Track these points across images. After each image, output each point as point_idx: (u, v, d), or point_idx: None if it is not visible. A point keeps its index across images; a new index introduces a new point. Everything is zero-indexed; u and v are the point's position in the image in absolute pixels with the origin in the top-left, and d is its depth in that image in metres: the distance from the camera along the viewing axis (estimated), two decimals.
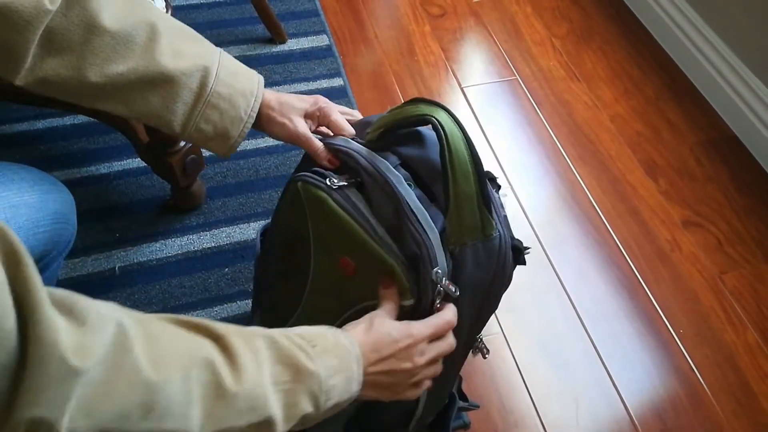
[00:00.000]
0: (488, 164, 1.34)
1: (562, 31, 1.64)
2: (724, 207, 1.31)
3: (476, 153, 0.63)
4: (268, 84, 1.40)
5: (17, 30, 0.58)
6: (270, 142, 1.29)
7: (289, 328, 0.54)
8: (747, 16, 1.40)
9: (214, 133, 0.69)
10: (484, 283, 0.65)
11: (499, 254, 0.64)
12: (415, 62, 1.51)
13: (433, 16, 1.64)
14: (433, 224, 0.62)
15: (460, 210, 0.62)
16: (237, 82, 0.69)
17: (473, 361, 1.05)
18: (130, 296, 1.05)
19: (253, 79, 0.71)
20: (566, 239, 1.23)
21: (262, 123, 0.73)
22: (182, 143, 1.03)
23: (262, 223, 1.12)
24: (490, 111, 1.43)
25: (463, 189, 0.62)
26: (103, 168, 1.21)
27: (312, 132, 0.74)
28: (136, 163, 1.22)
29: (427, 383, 0.64)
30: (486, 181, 0.64)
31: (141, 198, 1.18)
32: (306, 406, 0.51)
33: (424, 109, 0.64)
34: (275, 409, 0.49)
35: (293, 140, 0.72)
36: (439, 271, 0.60)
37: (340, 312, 0.69)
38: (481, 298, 0.66)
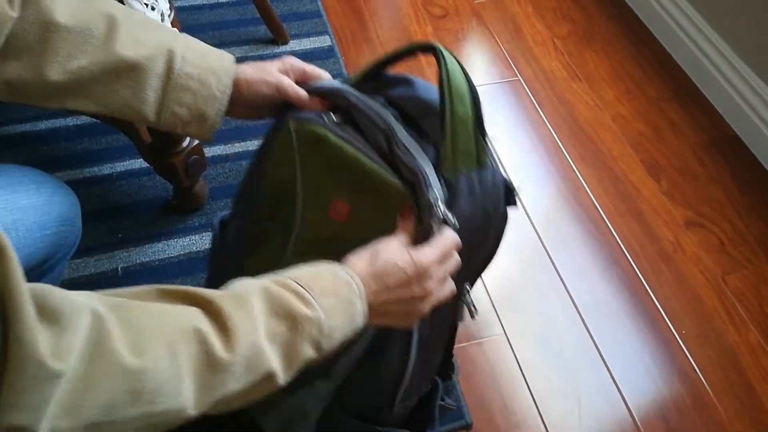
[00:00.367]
0: None
1: (564, 31, 1.64)
2: (726, 207, 1.31)
3: (471, 80, 0.64)
4: None
5: None
6: None
7: (285, 272, 0.53)
8: (748, 15, 1.40)
9: (190, 116, 0.67)
10: (477, 218, 0.64)
11: (493, 187, 0.64)
12: (416, 63, 1.51)
13: (435, 17, 1.64)
14: (425, 155, 0.63)
15: (456, 134, 0.63)
16: (205, 61, 0.67)
17: (475, 361, 1.05)
18: None
19: (224, 57, 0.69)
20: (568, 239, 1.23)
21: (242, 93, 0.70)
22: (185, 144, 1.03)
23: None
24: (492, 111, 1.43)
25: (460, 110, 0.63)
26: (106, 169, 1.21)
27: None
28: (139, 163, 1.22)
29: (448, 291, 0.62)
30: (481, 108, 0.65)
31: (144, 198, 1.18)
32: (308, 353, 0.50)
33: (418, 44, 0.67)
34: (274, 362, 0.48)
35: (279, 91, 0.69)
36: (436, 192, 0.60)
37: None
38: (474, 236, 0.65)
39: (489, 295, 1.14)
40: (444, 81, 0.63)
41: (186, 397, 0.43)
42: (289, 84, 0.69)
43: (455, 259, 0.61)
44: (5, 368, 0.35)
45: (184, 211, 1.17)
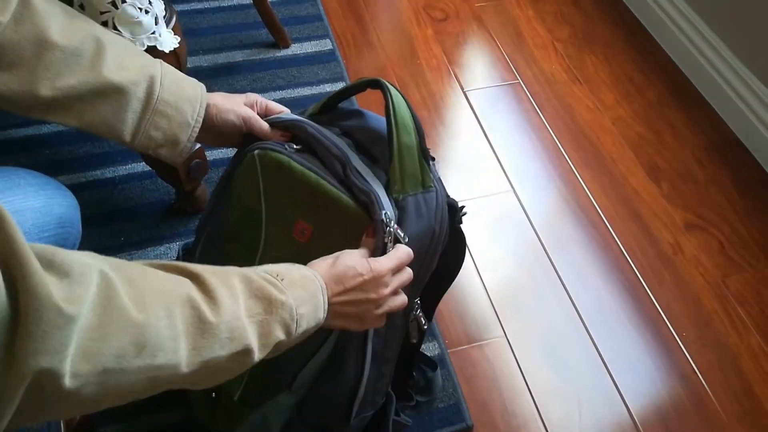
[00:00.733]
0: (490, 167, 1.34)
1: (564, 34, 1.64)
2: (726, 210, 1.31)
3: (414, 113, 0.72)
4: (273, 88, 1.41)
5: None
6: None
7: (257, 267, 0.58)
8: (748, 18, 1.40)
9: (163, 140, 0.73)
10: (425, 237, 0.70)
11: (437, 207, 0.71)
12: (417, 66, 1.52)
13: (436, 20, 1.65)
14: (376, 179, 0.70)
15: (403, 159, 0.70)
16: (181, 89, 0.73)
17: (476, 364, 1.06)
18: None
19: (197, 86, 0.75)
20: (568, 242, 1.23)
21: (213, 121, 0.76)
22: None
23: None
24: (492, 114, 1.44)
25: (405, 140, 0.70)
26: (108, 172, 1.22)
27: None
28: (141, 167, 1.22)
29: (400, 301, 0.68)
30: (424, 137, 0.72)
31: (146, 202, 1.19)
32: (279, 334, 0.54)
33: (366, 80, 0.74)
34: (252, 339, 0.52)
35: (245, 122, 0.76)
36: (388, 212, 0.66)
37: None
38: (422, 254, 0.70)
39: (490, 297, 1.14)
40: (390, 113, 0.70)
41: (181, 354, 0.47)
42: (254, 116, 0.76)
43: (408, 272, 0.67)
44: (26, 320, 0.37)
45: (186, 214, 1.17)
